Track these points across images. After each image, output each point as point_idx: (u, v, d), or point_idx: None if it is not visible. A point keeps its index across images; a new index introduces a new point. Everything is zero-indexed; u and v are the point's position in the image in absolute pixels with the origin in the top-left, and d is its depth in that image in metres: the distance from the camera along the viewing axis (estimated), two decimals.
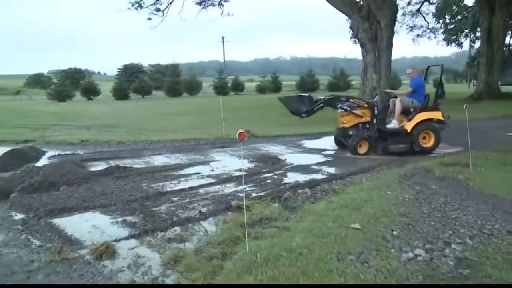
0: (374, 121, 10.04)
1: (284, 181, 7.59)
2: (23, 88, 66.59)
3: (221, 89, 50.25)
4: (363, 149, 9.91)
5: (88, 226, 5.54)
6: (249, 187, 7.14)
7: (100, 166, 9.00)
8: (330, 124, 16.29)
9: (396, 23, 24.90)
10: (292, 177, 7.91)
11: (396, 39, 21.94)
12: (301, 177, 7.91)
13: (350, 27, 24.19)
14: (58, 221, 5.69)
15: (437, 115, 10.27)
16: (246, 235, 4.54)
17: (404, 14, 35.37)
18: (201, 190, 7.11)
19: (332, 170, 8.54)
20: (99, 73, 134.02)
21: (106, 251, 4.56)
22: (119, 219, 5.72)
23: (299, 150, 10.92)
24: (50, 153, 10.89)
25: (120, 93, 47.12)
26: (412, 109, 10.28)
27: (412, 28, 37.57)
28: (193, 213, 5.90)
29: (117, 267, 4.31)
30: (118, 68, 66.56)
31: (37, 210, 6.04)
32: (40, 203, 6.37)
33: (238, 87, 53.80)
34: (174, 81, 51.30)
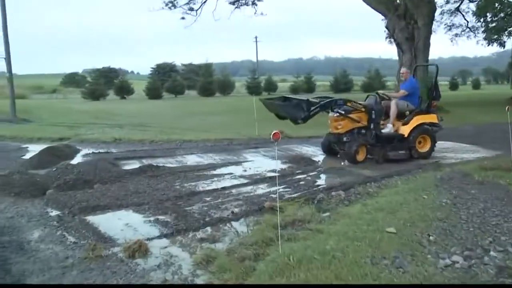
0: (372, 125, 9.36)
1: (317, 183, 7.56)
2: (58, 87, 68.17)
3: (254, 89, 50.30)
4: (360, 157, 9.17)
5: (121, 224, 5.65)
6: (282, 188, 7.13)
7: (133, 165, 9.15)
8: None
9: (434, 22, 24.32)
10: (325, 179, 7.87)
11: (433, 38, 21.47)
12: (334, 179, 7.86)
13: (386, 27, 23.85)
14: (92, 219, 5.83)
15: (432, 118, 9.90)
16: (279, 237, 4.54)
17: (442, 13, 34.45)
18: (234, 191, 7.15)
19: (366, 172, 8.43)
20: (132, 72, 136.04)
21: (139, 249, 4.63)
22: (152, 218, 5.80)
23: (332, 152, 10.82)
24: (84, 151, 11.12)
25: (153, 92, 47.70)
26: (407, 112, 9.83)
27: (450, 27, 36.59)
28: (225, 213, 5.94)
29: (149, 266, 4.38)
30: (152, 67, 67.38)
31: (72, 207, 6.19)
32: (74, 200, 6.53)
33: (271, 87, 53.73)
34: (207, 80, 51.55)
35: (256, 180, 7.85)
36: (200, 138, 13.14)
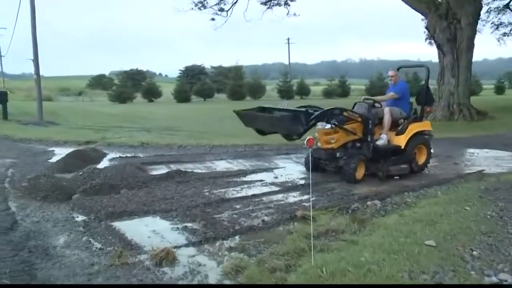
0: (369, 138, 8.48)
1: (352, 192, 7.50)
2: (85, 89, 69.61)
3: (285, 92, 50.31)
4: (359, 174, 8.20)
5: (148, 230, 5.70)
6: (315, 196, 7.10)
7: (160, 170, 9.24)
8: None
9: (479, 21, 23.78)
10: (360, 188, 7.79)
11: (477, 39, 20.90)
12: (370, 188, 7.79)
13: (426, 27, 23.52)
14: (119, 225, 5.90)
15: (427, 126, 9.33)
16: (312, 248, 4.51)
17: (489, 11, 33.60)
18: (265, 198, 7.15)
19: (403, 181, 8.32)
20: (160, 74, 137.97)
21: (166, 257, 4.66)
22: (180, 225, 5.84)
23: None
24: (111, 155, 11.30)
25: (181, 96, 48.24)
26: (402, 120, 9.06)
27: (497, 26, 35.58)
28: (256, 221, 5.94)
29: (176, 275, 4.40)
30: (180, 70, 68.26)
31: (98, 213, 6.29)
32: (101, 205, 6.63)
33: (303, 90, 53.64)
34: (237, 84, 51.82)
35: (287, 187, 7.84)
36: (229, 143, 13.19)
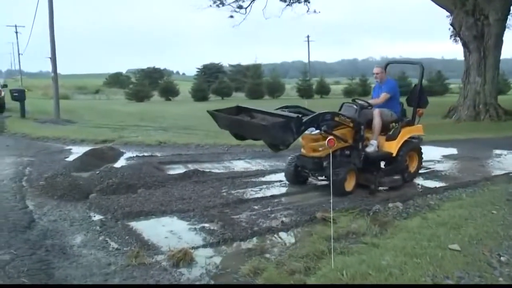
0: (360, 145, 7.72)
1: (375, 193, 7.46)
2: (102, 87, 70.25)
3: (305, 91, 50.17)
4: (349, 185, 7.46)
5: (165, 231, 5.75)
6: (336, 197, 7.07)
7: (178, 170, 9.31)
8: (425, 131, 15.81)
9: (508, 16, 23.29)
10: (382, 189, 7.74)
11: (506, 35, 20.47)
12: (392, 189, 7.73)
13: (451, 24, 23.23)
14: (135, 224, 5.96)
15: (419, 130, 8.55)
16: (332, 250, 4.50)
17: None
18: (284, 199, 7.18)
19: (426, 183, 8.26)
20: (177, 73, 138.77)
21: (184, 258, 4.69)
22: (197, 226, 5.88)
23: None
24: (128, 154, 11.39)
25: (199, 94, 48.36)
26: (394, 124, 8.23)
27: None
28: (274, 223, 5.95)
29: (194, 276, 4.43)
30: (198, 68, 68.44)
31: (115, 212, 6.37)
32: (118, 205, 6.71)
33: (323, 89, 53.40)
34: (255, 82, 51.76)
35: (307, 188, 7.84)
36: (248, 142, 13.15)
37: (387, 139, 8.03)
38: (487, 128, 17.15)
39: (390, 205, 6.61)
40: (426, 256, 4.46)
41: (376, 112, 7.98)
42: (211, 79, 58.32)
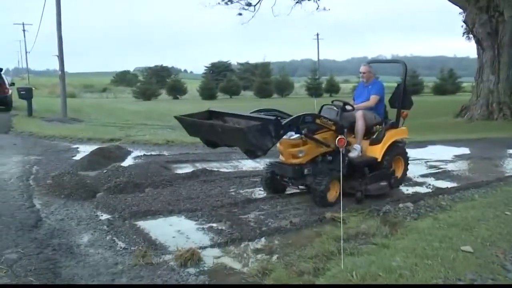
0: (343, 150, 6.68)
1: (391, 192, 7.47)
2: (109, 85, 70.57)
3: (314, 90, 50.15)
4: (332, 195, 6.86)
5: (173, 230, 5.77)
6: (345, 197, 7.04)
7: (186, 169, 9.33)
8: (435, 131, 15.71)
9: None
10: (392, 189, 7.72)
11: None
12: (402, 190, 7.75)
13: (464, 21, 23.09)
14: (143, 224, 5.99)
15: (404, 132, 8.06)
16: (342, 251, 4.50)
17: None
18: (293, 199, 7.15)
19: (438, 183, 8.23)
20: (185, 71, 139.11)
21: (191, 258, 4.70)
22: (205, 226, 5.90)
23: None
24: (135, 153, 11.42)
25: (207, 93, 48.51)
26: (378, 127, 7.75)
27: None
28: (283, 223, 5.95)
29: (202, 276, 4.43)
30: (206, 66, 68.71)
31: (122, 211, 6.40)
32: (125, 204, 6.75)
33: (332, 88, 53.40)
34: (264, 81, 51.86)
35: None
36: None
37: (371, 143, 7.54)
38: (501, 128, 17.05)
39: (401, 205, 6.59)
40: (437, 257, 4.44)
41: (359, 114, 7.45)
42: (219, 78, 58.51)
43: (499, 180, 8.26)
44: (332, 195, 6.85)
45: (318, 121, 6.71)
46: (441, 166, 9.81)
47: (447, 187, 7.83)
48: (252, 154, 6.38)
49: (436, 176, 8.84)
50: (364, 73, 7.98)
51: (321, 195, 6.70)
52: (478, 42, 21.18)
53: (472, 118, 20.04)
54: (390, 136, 7.63)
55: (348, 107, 7.54)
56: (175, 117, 7.02)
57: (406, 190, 7.72)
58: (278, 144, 6.74)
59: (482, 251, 4.67)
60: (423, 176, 8.81)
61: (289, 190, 7.55)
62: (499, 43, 20.33)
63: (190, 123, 6.83)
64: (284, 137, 6.46)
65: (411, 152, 11.49)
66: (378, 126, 7.74)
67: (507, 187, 7.64)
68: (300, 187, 7.29)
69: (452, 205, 6.65)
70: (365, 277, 4.00)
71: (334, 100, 7.97)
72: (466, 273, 4.14)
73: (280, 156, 7.15)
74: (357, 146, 7.37)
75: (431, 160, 10.53)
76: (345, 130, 7.09)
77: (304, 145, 6.80)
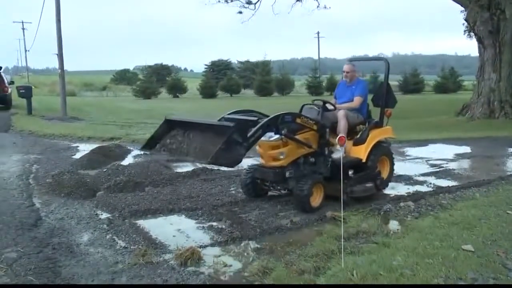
0: (326, 151, 6.91)
1: (384, 192, 7.47)
2: (109, 84, 70.53)
3: (314, 88, 50.14)
4: (316, 200, 6.57)
5: (173, 229, 5.78)
6: (346, 196, 7.04)
7: (186, 168, 9.34)
8: (436, 129, 15.69)
9: None
10: (393, 188, 7.73)
11: None
12: (403, 189, 7.74)
13: (465, 19, 23.05)
14: (143, 223, 6.00)
15: (388, 132, 7.79)
16: (342, 250, 4.50)
17: None
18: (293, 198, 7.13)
19: (439, 182, 8.22)
20: (185, 69, 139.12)
21: (191, 257, 4.70)
22: (206, 224, 5.91)
23: (401, 159, 10.55)
24: (135, 152, 11.41)
25: (207, 91, 48.50)
26: (361, 126, 7.54)
27: None
28: (284, 222, 5.97)
29: (202, 276, 4.43)
30: (206, 65, 68.63)
31: (122, 210, 6.40)
32: (125, 203, 6.75)
33: (333, 86, 53.16)
34: (264, 79, 51.80)
35: None
36: None
37: (355, 144, 7.30)
38: (502, 126, 17.00)
39: (402, 204, 6.59)
40: (438, 256, 4.44)
41: (341, 114, 7.17)
42: (220, 76, 58.44)
43: (500, 178, 8.23)
44: (315, 200, 6.56)
45: (298, 120, 6.45)
46: (442, 165, 9.81)
47: (448, 186, 7.81)
48: (229, 166, 6.17)
49: (437, 174, 8.83)
50: (348, 72, 7.67)
51: (303, 200, 6.40)
52: (479, 40, 21.11)
53: (473, 117, 19.98)
54: (374, 136, 7.40)
55: (330, 107, 7.32)
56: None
57: (407, 189, 7.71)
58: (257, 147, 6.59)
59: (483, 250, 4.66)
60: (424, 175, 8.80)
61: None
62: (501, 41, 20.26)
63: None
64: (263, 138, 6.20)
65: (412, 151, 11.59)
66: (361, 126, 7.54)
67: (509, 186, 7.61)
68: (282, 191, 7.09)
69: (453, 204, 6.64)
70: (366, 276, 4.01)
71: (315, 99, 7.78)
72: (467, 272, 4.13)
73: (260, 159, 6.94)
74: (339, 148, 6.74)
75: (432, 159, 10.52)
76: (327, 130, 6.89)
77: (284, 146, 6.49)
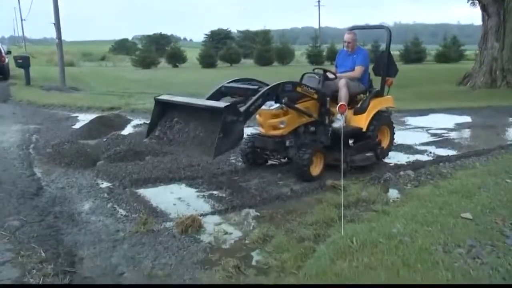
0: (326, 119, 6.95)
1: (384, 161, 7.51)
2: (108, 54, 69.99)
3: (315, 58, 49.76)
4: (316, 169, 6.61)
5: (173, 198, 5.84)
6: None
7: None
8: (437, 99, 15.65)
9: None
10: (393, 157, 7.76)
11: None
12: (403, 158, 7.78)
13: None
14: (144, 192, 6.05)
15: (389, 101, 7.78)
16: (342, 217, 4.55)
17: None
18: None
19: (439, 151, 8.25)
20: (185, 39, 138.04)
21: (192, 225, 4.76)
22: (206, 193, 5.97)
23: (401, 128, 10.52)
24: (135, 121, 11.44)
25: (207, 61, 48.09)
26: (361, 96, 7.51)
27: None
28: (284, 190, 6.02)
29: (202, 243, 4.49)
30: (205, 34, 68.02)
31: (122, 179, 6.45)
32: (125, 172, 6.79)
33: (333, 56, 52.66)
34: (264, 48, 51.29)
35: None
36: None
37: (355, 113, 7.27)
38: (504, 96, 16.94)
39: (402, 173, 6.62)
40: (437, 224, 4.48)
41: (342, 83, 7.13)
42: (219, 45, 57.94)
43: (500, 148, 8.26)
44: (315, 169, 6.59)
45: (299, 89, 6.40)
46: (443, 134, 9.83)
47: (448, 155, 7.85)
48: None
49: (438, 144, 8.86)
50: (349, 42, 7.59)
51: (303, 169, 6.42)
52: (483, 8, 20.83)
53: (474, 86, 19.89)
54: (375, 105, 7.37)
55: (331, 75, 7.22)
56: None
57: (407, 158, 7.75)
58: (257, 116, 6.58)
59: (482, 218, 4.69)
60: (424, 144, 8.84)
61: None
62: (505, 9, 19.96)
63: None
64: (264, 107, 6.11)
65: (413, 120, 11.59)
66: (362, 95, 7.50)
67: (508, 155, 7.65)
68: (282, 160, 7.10)
69: (453, 172, 6.68)
70: (365, 243, 4.04)
71: (315, 68, 7.69)
72: (466, 239, 4.17)
73: (260, 127, 6.86)
74: (339, 117, 6.76)
75: (432, 128, 10.55)
76: (328, 99, 6.87)
77: (285, 115, 6.49)
